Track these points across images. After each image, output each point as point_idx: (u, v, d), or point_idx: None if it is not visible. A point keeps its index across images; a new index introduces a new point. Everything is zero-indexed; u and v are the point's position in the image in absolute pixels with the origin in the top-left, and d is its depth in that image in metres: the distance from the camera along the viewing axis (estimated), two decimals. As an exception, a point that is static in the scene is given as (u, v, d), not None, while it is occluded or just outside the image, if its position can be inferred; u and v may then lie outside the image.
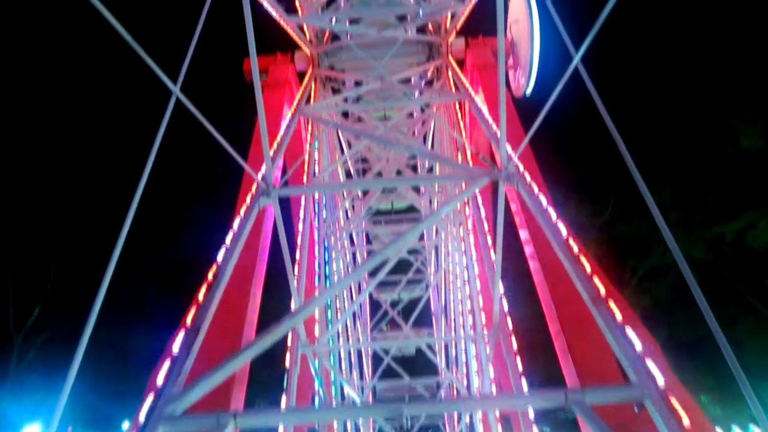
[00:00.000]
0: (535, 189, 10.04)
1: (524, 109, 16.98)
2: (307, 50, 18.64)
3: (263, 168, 10.35)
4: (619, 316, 7.68)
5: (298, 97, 17.34)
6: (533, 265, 13.91)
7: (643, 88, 38.96)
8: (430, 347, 24.49)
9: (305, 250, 16.03)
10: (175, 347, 7.84)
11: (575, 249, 8.78)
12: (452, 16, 17.71)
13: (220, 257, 9.52)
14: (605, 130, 8.03)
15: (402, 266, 25.58)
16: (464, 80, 17.58)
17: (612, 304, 7.85)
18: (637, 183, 7.59)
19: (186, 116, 7.96)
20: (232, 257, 9.29)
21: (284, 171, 16.92)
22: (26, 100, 39.14)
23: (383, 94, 19.22)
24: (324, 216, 20.59)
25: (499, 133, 9.18)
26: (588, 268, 8.41)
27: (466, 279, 18.77)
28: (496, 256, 10.70)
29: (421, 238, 25.92)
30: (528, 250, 14.30)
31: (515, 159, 9.86)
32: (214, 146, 8.64)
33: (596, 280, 8.22)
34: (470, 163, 17.08)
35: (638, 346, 7.27)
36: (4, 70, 37.61)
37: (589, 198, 38.07)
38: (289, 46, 19.38)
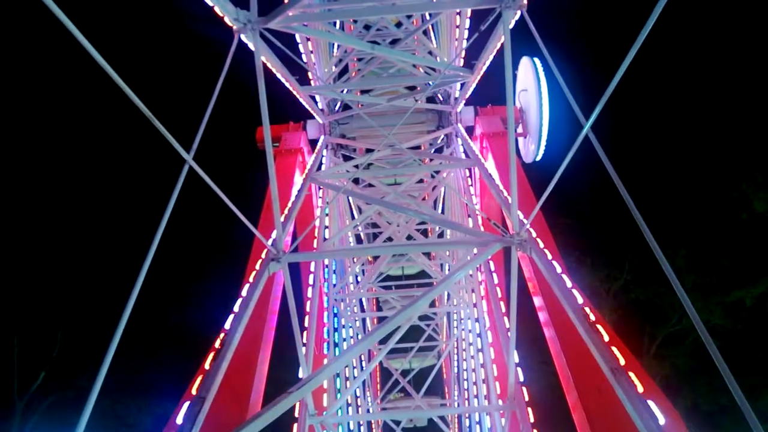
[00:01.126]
0: (549, 255, 9.91)
1: (535, 173, 17.10)
2: (319, 119, 19.07)
3: (274, 234, 10.34)
4: (640, 388, 7.37)
5: (309, 164, 17.59)
6: (548, 333, 13.54)
7: (655, 152, 39.23)
8: (443, 419, 23.68)
9: (314, 318, 15.79)
10: (179, 419, 7.58)
11: (592, 317, 8.55)
12: (461, 86, 18.14)
13: (228, 324, 9.37)
14: (618, 194, 7.99)
15: (413, 333, 25.11)
16: (474, 147, 17.79)
17: (632, 375, 7.55)
18: (652, 248, 7.46)
19: (197, 181, 8.04)
20: (241, 324, 9.13)
21: (294, 236, 16.94)
22: (39, 163, 40.03)
23: (394, 161, 19.47)
24: (334, 282, 20.42)
25: (510, 199, 9.16)
26: (606, 337, 8.15)
27: (479, 347, 18.31)
28: (510, 324, 10.45)
29: (433, 304, 25.56)
30: (543, 317, 13.96)
31: (527, 225, 9.80)
32: (224, 211, 8.69)
33: (615, 350, 7.95)
34: (482, 228, 17.03)
35: (661, 420, 6.94)
36: (16, 132, 38.68)
37: (603, 263, 37.66)
38: (301, 115, 19.87)
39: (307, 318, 15.67)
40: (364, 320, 25.58)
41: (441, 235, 25.43)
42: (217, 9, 8.61)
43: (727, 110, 36.02)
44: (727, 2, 36.22)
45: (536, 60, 17.04)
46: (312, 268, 17.15)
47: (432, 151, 20.83)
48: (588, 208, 36.63)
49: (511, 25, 9.06)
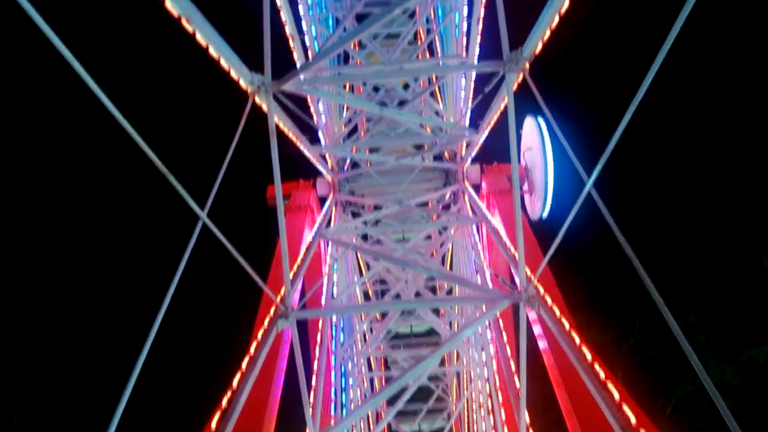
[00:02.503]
0: (557, 312, 9.88)
1: (542, 230, 17.17)
2: (328, 177, 19.42)
3: (282, 290, 10.39)
4: (654, 448, 7.21)
5: (318, 220, 17.81)
6: (559, 392, 13.29)
7: (663, 207, 39.26)
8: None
9: (321, 377, 15.61)
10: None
11: (602, 375, 8.46)
12: (467, 145, 18.51)
13: (235, 383, 9.31)
14: (625, 253, 8.03)
15: (422, 394, 24.56)
16: (481, 204, 17.99)
17: (645, 435, 7.40)
18: (660, 309, 7.44)
19: (207, 235, 8.15)
20: (248, 383, 9.07)
21: (302, 293, 16.96)
22: (49, 222, 40.45)
23: (402, 217, 19.67)
24: (341, 339, 20.24)
25: (517, 256, 9.23)
26: (616, 395, 8.03)
27: (490, 408, 17.92)
28: (520, 383, 10.29)
29: (442, 363, 25.14)
30: (553, 376, 13.75)
31: (535, 281, 9.81)
32: (231, 266, 8.76)
33: (626, 408, 7.81)
34: (490, 285, 16.99)
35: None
36: (20, 194, 39.23)
37: (613, 321, 37.10)
38: (311, 173, 20.24)
39: (314, 377, 15.49)
40: (371, 380, 25.14)
41: (450, 291, 25.29)
42: (232, 73, 8.98)
43: (736, 167, 36.25)
44: (728, 57, 37.07)
45: (540, 119, 17.43)
46: (320, 326, 17.08)
47: (439, 208, 21.05)
48: (597, 265, 36.42)
49: (515, 88, 9.37)
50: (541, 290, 10.42)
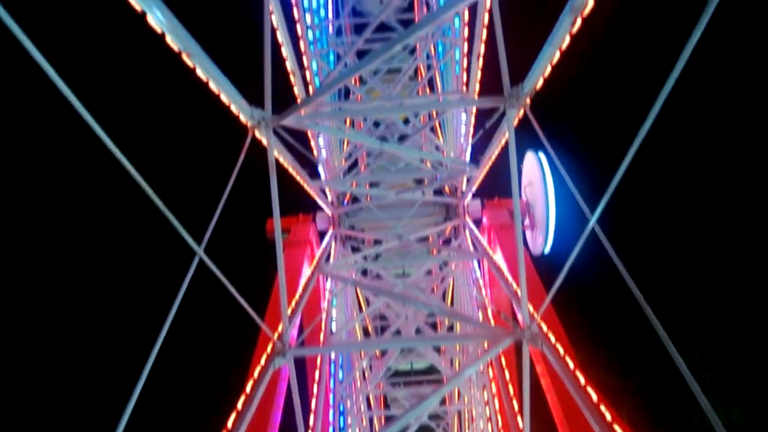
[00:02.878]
0: (561, 350, 9.64)
1: (544, 266, 16.94)
2: (328, 211, 19.33)
3: (280, 327, 10.18)
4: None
5: (318, 255, 17.64)
6: (563, 433, 12.92)
7: (669, 243, 38.99)
8: None
9: (320, 416, 15.23)
10: None
11: (608, 416, 8.19)
12: (468, 180, 18.47)
13: (230, 422, 9.02)
14: (629, 289, 7.85)
15: (423, 433, 24.00)
16: (482, 239, 17.84)
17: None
18: (666, 346, 7.24)
19: (205, 270, 8.01)
20: (244, 424, 8.79)
21: (301, 329, 16.67)
22: (44, 257, 40.22)
23: (402, 252, 19.50)
24: (340, 377, 19.84)
25: (519, 292, 9.05)
26: (624, 439, 7.76)
27: (492, 448, 17.42)
28: (523, 424, 9.99)
29: (443, 402, 24.61)
30: (557, 416, 13.38)
31: (538, 318, 9.61)
32: (229, 301, 8.58)
33: (635, 452, 7.53)
34: (492, 321, 16.71)
35: None
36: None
37: (618, 359, 36.52)
38: (311, 206, 20.15)
39: (312, 416, 15.11)
40: (371, 419, 24.58)
41: (451, 328, 24.94)
42: (232, 108, 8.95)
43: (746, 201, 36.10)
44: (732, 97, 37.32)
45: (541, 154, 17.42)
46: (318, 363, 16.74)
47: (440, 243, 20.89)
48: (599, 301, 36.02)
49: (515, 123, 9.34)
50: (544, 328, 10.20)
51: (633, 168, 6.82)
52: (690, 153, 38.44)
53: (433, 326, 24.48)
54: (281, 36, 13.21)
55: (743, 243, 34.28)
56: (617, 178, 6.74)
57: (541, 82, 8.61)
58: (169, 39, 6.99)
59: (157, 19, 6.54)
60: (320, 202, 18.35)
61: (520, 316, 10.30)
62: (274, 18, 11.92)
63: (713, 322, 33.73)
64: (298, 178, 15.27)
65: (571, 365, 9.41)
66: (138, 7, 6.21)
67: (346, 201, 20.01)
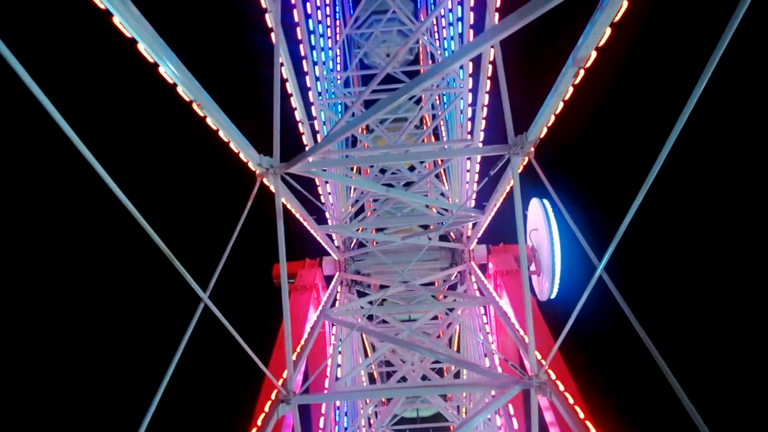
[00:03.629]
0: (570, 399, 9.49)
1: (550, 310, 16.81)
2: (335, 256, 19.37)
3: (284, 374, 10.08)
4: None
5: (323, 300, 17.59)
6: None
7: (678, 288, 38.60)
8: None
9: (324, 466, 14.88)
10: None
11: (620, 468, 7.99)
12: (473, 226, 18.54)
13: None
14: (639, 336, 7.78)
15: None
16: (488, 285, 17.77)
17: None
18: (678, 394, 7.14)
19: (210, 316, 8.02)
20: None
21: (306, 375, 16.47)
22: (51, 300, 40.17)
23: (408, 297, 19.41)
24: (345, 425, 19.47)
25: (527, 339, 8.98)
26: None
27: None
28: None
29: (450, 451, 24.03)
30: (567, 467, 13.04)
31: (546, 366, 9.50)
32: (233, 347, 8.54)
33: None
34: (499, 368, 16.49)
35: None
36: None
37: (628, 406, 35.69)
38: (317, 251, 20.20)
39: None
40: (376, 469, 23.94)
41: (457, 374, 24.56)
42: (241, 155, 9.12)
43: (753, 250, 35.90)
44: (737, 146, 37.54)
45: (545, 201, 17.53)
46: (323, 410, 16.46)
47: (446, 288, 20.80)
48: (607, 348, 35.47)
49: (520, 170, 9.46)
50: (553, 376, 10.07)
51: (638, 215, 6.88)
52: (695, 200, 38.49)
53: (440, 372, 24.10)
54: (291, 87, 13.55)
55: (753, 291, 33.93)
56: (624, 226, 6.79)
57: (545, 131, 8.76)
58: (180, 89, 7.21)
59: (169, 71, 6.76)
60: (327, 247, 18.41)
61: (527, 364, 10.18)
62: (284, 69, 12.27)
63: (724, 369, 33.07)
64: (305, 223, 15.37)
65: (581, 414, 9.24)
66: (151, 59, 6.44)
67: (352, 246, 20.07)
